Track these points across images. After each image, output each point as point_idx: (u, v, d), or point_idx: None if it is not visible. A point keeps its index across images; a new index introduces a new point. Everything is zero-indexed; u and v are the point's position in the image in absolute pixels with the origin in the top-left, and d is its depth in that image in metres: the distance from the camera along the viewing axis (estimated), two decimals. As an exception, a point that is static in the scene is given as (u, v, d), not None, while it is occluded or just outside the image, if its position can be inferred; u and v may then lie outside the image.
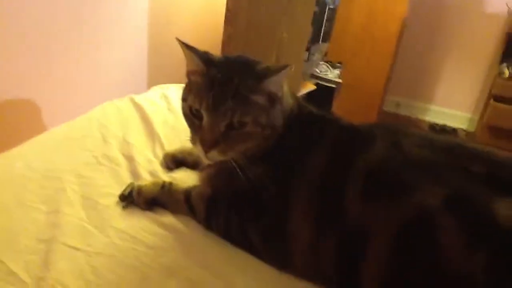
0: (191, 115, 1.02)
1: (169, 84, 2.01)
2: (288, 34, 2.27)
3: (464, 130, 4.36)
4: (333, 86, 3.04)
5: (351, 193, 0.93)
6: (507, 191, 0.85)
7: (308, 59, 2.60)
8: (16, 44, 1.74)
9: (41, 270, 0.91)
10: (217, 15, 2.53)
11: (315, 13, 2.42)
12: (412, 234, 0.86)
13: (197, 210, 1.10)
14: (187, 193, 1.13)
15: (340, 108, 3.26)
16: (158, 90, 1.93)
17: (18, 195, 1.13)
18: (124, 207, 1.13)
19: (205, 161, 1.06)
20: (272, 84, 1.00)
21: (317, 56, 2.86)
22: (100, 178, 1.24)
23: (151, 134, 1.51)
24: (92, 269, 0.93)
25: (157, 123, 1.58)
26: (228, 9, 2.23)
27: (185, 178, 1.27)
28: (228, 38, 2.30)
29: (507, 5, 3.77)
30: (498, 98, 3.59)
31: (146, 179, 1.24)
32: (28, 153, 1.33)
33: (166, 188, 1.16)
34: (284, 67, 0.98)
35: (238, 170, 1.01)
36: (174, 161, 1.34)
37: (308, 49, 2.53)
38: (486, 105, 3.76)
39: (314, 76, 3.04)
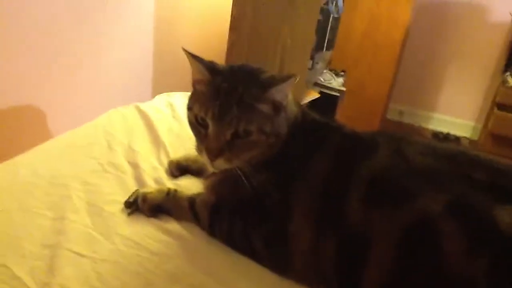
0: (197, 124, 1.03)
1: (174, 92, 2.01)
2: (292, 42, 2.28)
3: (468, 139, 4.35)
4: (337, 94, 3.04)
5: (353, 200, 0.93)
6: (509, 199, 0.85)
7: (312, 67, 2.61)
8: (20, 50, 1.75)
9: (46, 276, 0.91)
10: (222, 22, 2.54)
11: (319, 21, 2.43)
12: (414, 240, 0.87)
13: (201, 217, 1.11)
14: (192, 200, 1.14)
15: (343, 115, 3.26)
16: (163, 98, 1.94)
17: (24, 202, 1.13)
18: (129, 214, 1.13)
19: (211, 169, 1.07)
20: (277, 93, 1.00)
21: (320, 65, 2.87)
22: (105, 185, 1.25)
23: (156, 141, 1.52)
24: (97, 276, 0.93)
25: (162, 130, 1.59)
26: (232, 16, 2.24)
27: (190, 186, 1.28)
28: (232, 45, 2.30)
29: (510, 14, 3.77)
30: (502, 107, 3.58)
31: (151, 186, 1.24)
32: (33, 160, 1.34)
33: (171, 195, 1.16)
34: (290, 77, 0.99)
35: (243, 177, 1.02)
36: (179, 169, 1.35)
37: (312, 58, 2.54)
38: (490, 113, 3.75)
39: (318, 85, 3.05)
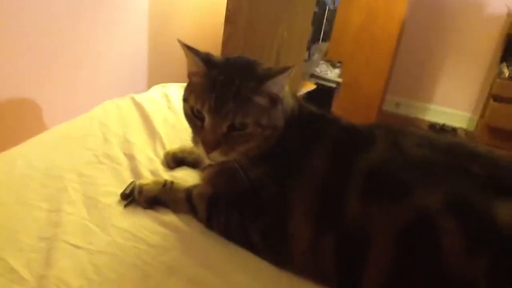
0: (193, 116, 1.03)
1: (170, 83, 2.01)
2: (289, 34, 2.27)
3: (464, 130, 4.36)
4: (333, 86, 3.04)
5: (351, 194, 0.93)
6: (508, 194, 0.85)
7: (308, 58, 2.60)
8: (16, 43, 1.74)
9: (42, 268, 0.91)
10: (217, 15, 2.53)
11: (315, 13, 2.42)
12: (413, 236, 0.86)
13: (198, 209, 1.11)
14: (188, 192, 1.14)
15: (339, 107, 3.27)
16: (159, 89, 1.94)
17: (19, 194, 1.13)
18: (125, 206, 1.13)
19: (207, 161, 1.07)
20: (273, 85, 1.00)
21: (317, 56, 2.86)
22: (101, 177, 1.24)
23: (152, 133, 1.52)
24: (94, 268, 0.93)
25: (157, 121, 1.58)
26: (228, 9, 2.23)
27: (186, 177, 1.27)
28: (228, 38, 2.29)
29: (506, 6, 3.77)
30: (498, 98, 3.60)
31: (147, 178, 1.24)
32: (29, 152, 1.33)
33: (168, 187, 1.16)
34: (286, 69, 0.98)
35: (239, 170, 1.02)
36: (175, 160, 1.35)
37: (308, 49, 2.53)
38: (486, 104, 3.77)
39: (314, 76, 3.04)
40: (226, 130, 0.98)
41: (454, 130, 4.34)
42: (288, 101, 1.10)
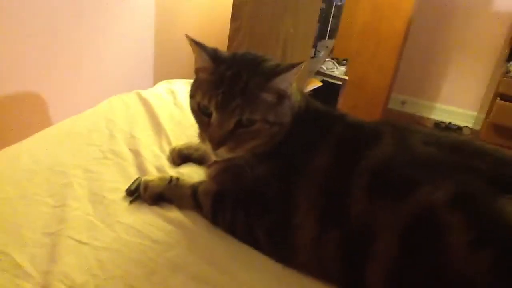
0: (200, 112, 1.02)
1: (176, 79, 2.00)
2: (295, 30, 2.26)
3: (469, 128, 4.34)
4: (339, 83, 3.02)
5: (356, 190, 0.93)
6: None
7: (314, 55, 2.59)
8: (21, 38, 1.73)
9: (47, 264, 0.91)
10: (223, 11, 2.52)
11: (322, 9, 2.41)
12: (418, 231, 0.86)
13: (204, 205, 1.10)
14: (194, 189, 1.13)
15: (344, 105, 3.26)
16: (165, 85, 1.93)
17: (24, 189, 1.13)
18: (130, 202, 1.13)
19: (213, 158, 1.06)
20: (281, 82, 1.00)
21: (323, 53, 2.85)
22: (106, 173, 1.24)
23: (158, 129, 1.51)
24: (99, 264, 0.93)
25: (163, 117, 1.58)
26: (234, 5, 2.23)
27: (192, 174, 1.27)
28: (234, 33, 2.30)
29: (514, 4, 3.75)
30: (504, 97, 3.58)
31: (152, 174, 1.24)
32: (34, 147, 1.33)
33: (173, 183, 1.15)
34: (295, 65, 0.97)
35: (245, 167, 1.01)
36: (181, 156, 1.34)
37: (314, 46, 2.52)
38: (492, 103, 3.74)
39: (320, 73, 3.03)
40: (233, 126, 0.97)
41: (459, 129, 4.32)
42: (296, 98, 1.09)
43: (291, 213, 0.98)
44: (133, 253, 0.97)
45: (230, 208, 1.07)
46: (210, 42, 1.06)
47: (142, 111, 1.63)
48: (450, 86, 4.38)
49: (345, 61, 3.36)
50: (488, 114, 3.85)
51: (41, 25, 1.80)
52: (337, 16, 2.98)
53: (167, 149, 1.39)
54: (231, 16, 2.28)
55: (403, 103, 4.58)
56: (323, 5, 2.48)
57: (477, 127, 4.24)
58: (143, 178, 1.17)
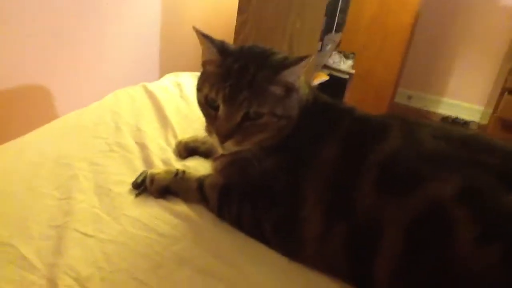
0: (207, 105, 1.02)
1: (182, 71, 2.00)
2: (301, 24, 2.25)
3: (476, 123, 4.32)
4: (346, 77, 3.01)
5: (364, 184, 0.92)
6: None
7: (321, 49, 2.58)
8: (28, 31, 1.73)
9: (53, 256, 0.91)
10: (230, 3, 2.51)
11: (328, 3, 2.40)
12: (425, 226, 0.85)
13: (210, 198, 1.10)
14: (200, 182, 1.13)
15: (351, 99, 3.25)
16: (171, 77, 1.93)
17: (30, 182, 1.13)
18: (137, 195, 1.12)
19: (220, 151, 1.06)
20: (290, 75, 0.99)
21: (330, 47, 2.83)
22: (112, 166, 1.24)
23: (164, 121, 1.51)
24: (104, 256, 0.93)
25: (169, 110, 1.58)
26: (240, -1, 2.23)
27: (198, 167, 1.27)
28: (240, 26, 2.29)
29: (523, -2, 3.72)
30: (513, 91, 3.55)
31: (159, 167, 1.23)
32: (40, 140, 1.33)
33: (179, 176, 1.15)
34: (303, 58, 0.97)
35: (252, 160, 1.01)
36: (187, 150, 1.34)
37: (321, 39, 2.51)
38: (500, 98, 3.72)
39: (326, 67, 3.02)
40: (240, 119, 0.97)
41: (466, 123, 4.30)
42: (304, 91, 1.08)
43: (299, 207, 0.98)
44: (139, 246, 0.97)
45: (237, 202, 1.06)
46: (216, 35, 1.05)
47: (148, 104, 1.63)
48: (457, 81, 4.35)
49: (352, 55, 3.34)
50: (495, 108, 3.82)
51: (47, 18, 1.79)
52: (344, 10, 2.96)
53: (173, 142, 1.38)
54: (238, 9, 2.27)
55: (409, 97, 4.56)
56: (330, -1, 2.47)
57: (484, 122, 4.21)
58: (149, 171, 1.16)
